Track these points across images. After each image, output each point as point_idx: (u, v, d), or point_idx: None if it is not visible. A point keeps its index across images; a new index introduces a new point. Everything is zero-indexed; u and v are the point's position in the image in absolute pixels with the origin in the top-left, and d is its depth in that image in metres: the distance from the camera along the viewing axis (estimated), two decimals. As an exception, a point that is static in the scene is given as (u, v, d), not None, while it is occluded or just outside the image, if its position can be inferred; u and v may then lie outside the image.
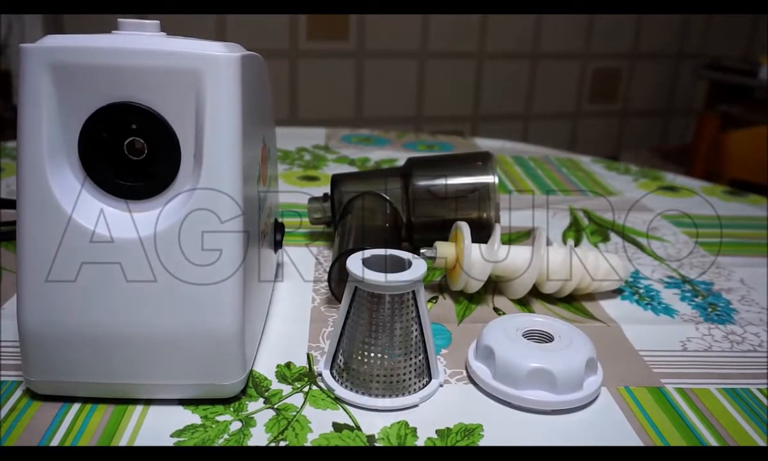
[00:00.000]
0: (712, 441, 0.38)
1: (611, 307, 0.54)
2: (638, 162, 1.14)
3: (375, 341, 0.40)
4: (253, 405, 0.39)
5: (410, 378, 0.40)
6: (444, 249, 0.52)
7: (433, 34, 1.92)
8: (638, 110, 2.25)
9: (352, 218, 0.57)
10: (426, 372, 0.42)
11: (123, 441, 0.36)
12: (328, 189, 0.64)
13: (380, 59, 1.89)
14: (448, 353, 0.46)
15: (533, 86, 2.09)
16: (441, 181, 0.59)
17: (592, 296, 0.55)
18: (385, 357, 0.40)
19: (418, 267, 0.40)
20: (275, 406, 0.40)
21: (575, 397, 0.40)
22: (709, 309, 0.54)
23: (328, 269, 0.52)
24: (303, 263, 0.60)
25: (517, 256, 0.53)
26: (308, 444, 0.36)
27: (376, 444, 0.37)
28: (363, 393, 0.40)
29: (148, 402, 0.39)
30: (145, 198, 0.37)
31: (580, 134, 2.20)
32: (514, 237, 0.69)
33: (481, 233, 0.57)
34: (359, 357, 0.40)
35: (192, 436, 0.37)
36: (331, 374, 0.42)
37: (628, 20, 2.11)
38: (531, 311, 0.53)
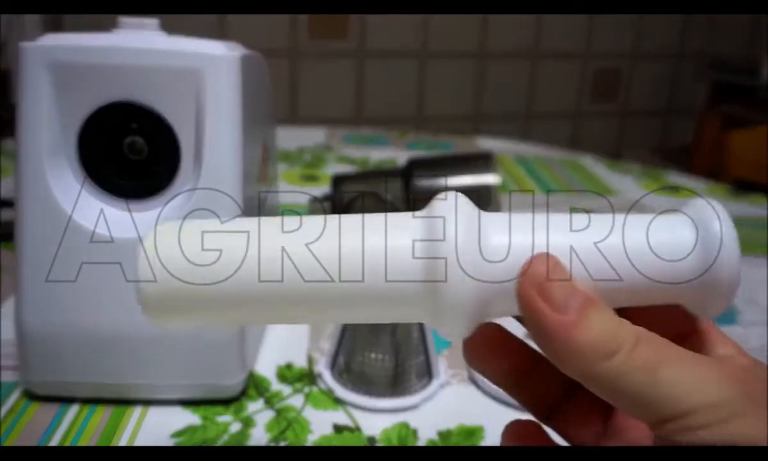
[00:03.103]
0: (714, 442, 0.38)
1: (612, 307, 0.54)
2: (639, 162, 1.14)
3: (376, 341, 0.40)
4: (254, 406, 0.39)
5: (411, 379, 0.40)
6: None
7: (434, 33, 1.91)
8: (639, 110, 2.25)
9: (352, 218, 0.57)
10: (427, 373, 0.41)
11: (122, 442, 0.36)
12: (328, 189, 0.64)
13: (381, 59, 1.89)
14: (449, 353, 0.46)
15: (534, 86, 2.09)
16: (442, 181, 0.59)
17: (593, 297, 0.55)
18: (386, 357, 0.40)
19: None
20: (275, 407, 0.39)
21: (576, 398, 0.40)
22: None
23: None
24: (303, 263, 0.59)
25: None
26: (309, 444, 0.36)
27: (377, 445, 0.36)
28: (364, 394, 0.40)
29: (148, 402, 0.39)
30: (145, 198, 0.36)
31: (582, 134, 2.19)
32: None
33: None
34: (360, 358, 0.40)
35: (192, 436, 0.36)
36: (332, 374, 0.42)
37: (628, 20, 2.10)
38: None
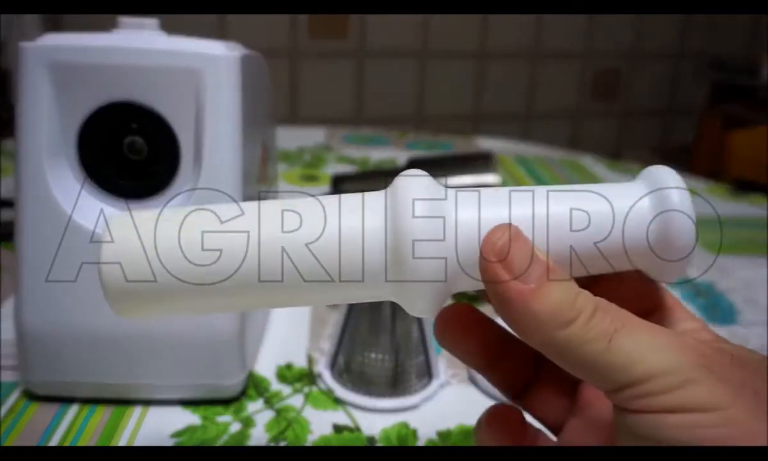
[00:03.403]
0: (714, 443, 0.38)
1: (612, 307, 0.54)
2: (639, 162, 1.14)
3: (376, 341, 0.40)
4: (253, 406, 0.39)
5: (411, 379, 0.40)
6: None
7: (434, 33, 1.91)
8: (639, 110, 2.25)
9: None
10: (427, 373, 0.41)
11: (122, 442, 0.36)
12: (328, 189, 0.64)
13: (381, 59, 1.89)
14: (448, 353, 0.46)
15: (534, 86, 2.09)
16: (442, 181, 0.59)
17: (593, 297, 0.55)
18: (386, 357, 0.40)
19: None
20: (275, 407, 0.39)
21: (576, 398, 0.40)
22: (712, 310, 0.54)
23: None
24: (303, 263, 0.59)
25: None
26: (308, 444, 0.36)
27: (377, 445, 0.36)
28: (363, 394, 0.40)
29: (148, 402, 0.39)
30: (145, 198, 0.36)
31: (582, 134, 2.19)
32: (515, 237, 0.69)
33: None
34: (360, 358, 0.40)
35: (192, 436, 0.36)
36: (332, 374, 0.42)
37: (628, 20, 2.10)
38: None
